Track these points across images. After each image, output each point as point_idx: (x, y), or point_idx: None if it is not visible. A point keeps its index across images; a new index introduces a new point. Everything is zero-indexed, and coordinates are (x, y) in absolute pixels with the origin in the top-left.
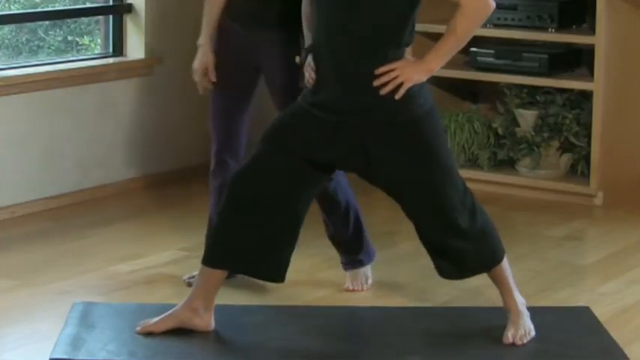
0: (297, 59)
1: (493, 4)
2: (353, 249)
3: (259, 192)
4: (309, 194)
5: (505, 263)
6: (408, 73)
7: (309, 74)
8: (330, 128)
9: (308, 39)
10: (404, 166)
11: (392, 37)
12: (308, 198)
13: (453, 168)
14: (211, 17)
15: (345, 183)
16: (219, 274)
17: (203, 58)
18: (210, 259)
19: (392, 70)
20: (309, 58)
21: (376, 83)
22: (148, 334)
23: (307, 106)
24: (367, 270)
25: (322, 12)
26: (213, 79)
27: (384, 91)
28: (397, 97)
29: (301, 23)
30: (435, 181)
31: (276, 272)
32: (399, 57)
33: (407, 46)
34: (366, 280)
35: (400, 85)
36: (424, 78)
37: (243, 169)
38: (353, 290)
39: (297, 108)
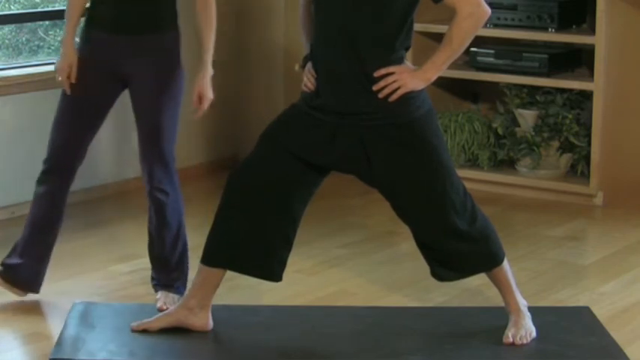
0: (297, 66)
1: (489, 11)
2: (172, 274)
3: (256, 191)
4: (306, 194)
5: (505, 265)
6: (404, 78)
7: (308, 80)
8: (330, 130)
9: (306, 46)
10: (404, 167)
11: (391, 38)
12: (305, 198)
13: (453, 170)
14: (70, 14)
15: (181, 208)
16: (217, 272)
17: (66, 57)
18: (207, 258)
19: (390, 74)
20: (309, 65)
21: (374, 88)
22: (143, 330)
23: (307, 109)
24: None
25: (322, 13)
26: (73, 80)
27: (380, 95)
28: (391, 100)
29: (173, 32)
30: (436, 182)
31: (272, 271)
32: (398, 59)
33: (406, 49)
34: (179, 300)
35: (396, 89)
36: (420, 86)
37: (240, 168)
38: (167, 308)
39: (297, 110)
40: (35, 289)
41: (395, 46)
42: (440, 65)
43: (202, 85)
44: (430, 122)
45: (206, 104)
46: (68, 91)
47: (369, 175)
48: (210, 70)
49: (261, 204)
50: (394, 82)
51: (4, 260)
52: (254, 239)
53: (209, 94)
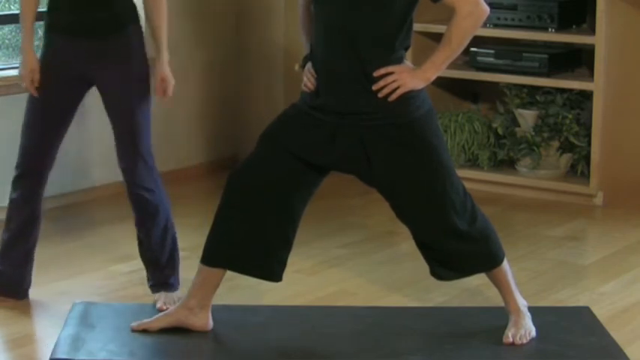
0: (297, 66)
1: (487, 10)
2: (165, 270)
3: (256, 191)
4: (306, 194)
5: (505, 265)
6: (404, 78)
7: (308, 80)
8: (330, 130)
9: (306, 47)
10: (404, 167)
11: (391, 38)
12: (304, 198)
13: (453, 170)
14: (24, 18)
15: (167, 203)
16: (217, 273)
17: (27, 63)
18: (207, 258)
19: (389, 74)
20: (309, 65)
21: (374, 87)
22: (143, 330)
23: (307, 109)
24: (177, 294)
25: (322, 13)
26: (36, 84)
27: (380, 95)
28: (390, 99)
29: (134, 29)
30: (436, 182)
31: (272, 271)
32: (398, 59)
33: (406, 49)
34: (179, 300)
35: (396, 89)
36: (420, 86)
37: (240, 168)
38: (167, 308)
39: (297, 110)
40: (16, 295)
41: (395, 45)
42: (439, 65)
43: (163, 70)
44: (430, 122)
45: (170, 89)
46: (35, 95)
47: (369, 175)
48: (167, 55)
49: (261, 204)
50: (394, 81)
51: None
52: (254, 239)
53: (171, 79)
